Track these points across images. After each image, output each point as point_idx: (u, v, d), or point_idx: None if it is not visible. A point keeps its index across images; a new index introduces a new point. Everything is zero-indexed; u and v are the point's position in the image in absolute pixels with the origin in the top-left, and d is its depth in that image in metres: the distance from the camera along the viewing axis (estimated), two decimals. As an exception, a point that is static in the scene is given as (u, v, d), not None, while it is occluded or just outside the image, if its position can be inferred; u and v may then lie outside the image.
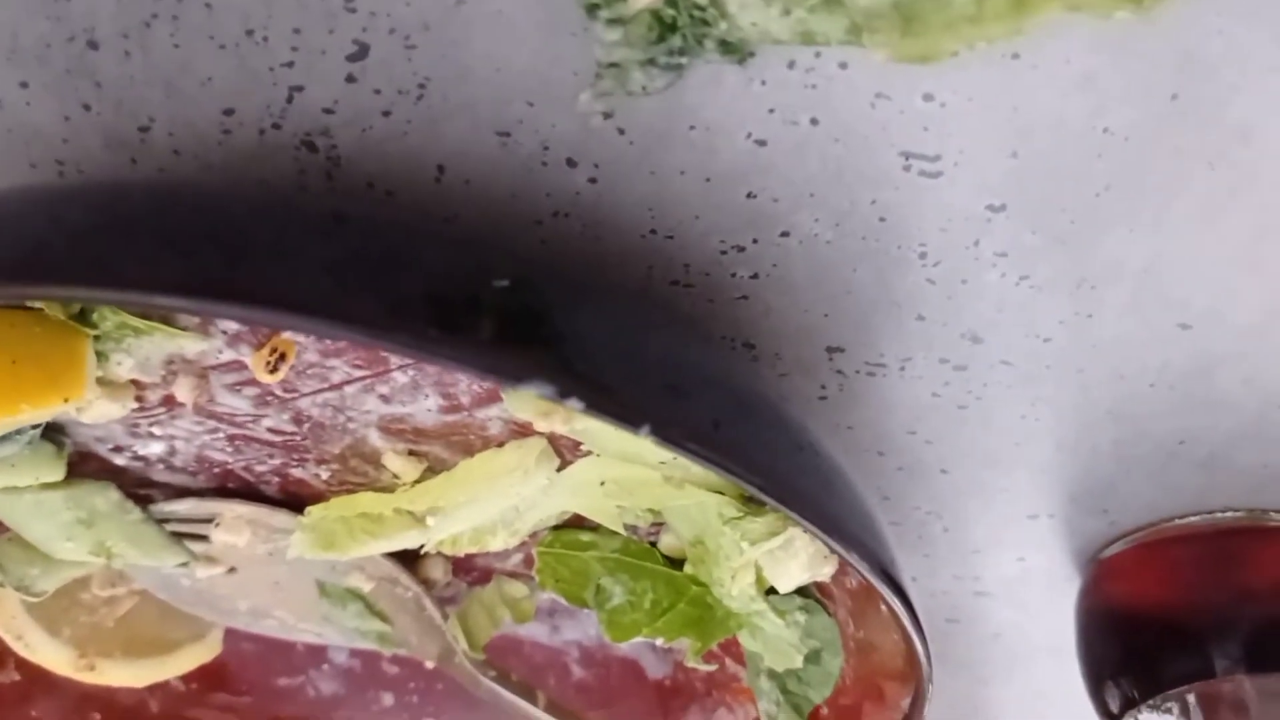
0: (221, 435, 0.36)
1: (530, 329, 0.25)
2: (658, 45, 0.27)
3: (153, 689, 0.45)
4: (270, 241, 0.26)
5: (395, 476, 0.37)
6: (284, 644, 0.46)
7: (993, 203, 0.30)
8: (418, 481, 0.36)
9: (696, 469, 0.33)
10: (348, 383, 0.34)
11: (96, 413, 0.33)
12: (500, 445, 0.35)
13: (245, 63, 0.29)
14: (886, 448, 0.39)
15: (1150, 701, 0.37)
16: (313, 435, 0.36)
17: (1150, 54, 0.27)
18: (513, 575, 0.42)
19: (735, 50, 0.27)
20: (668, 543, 0.39)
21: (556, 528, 0.39)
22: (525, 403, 0.32)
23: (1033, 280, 0.32)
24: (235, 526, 0.39)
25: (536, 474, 0.35)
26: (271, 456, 0.37)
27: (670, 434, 0.25)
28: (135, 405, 0.34)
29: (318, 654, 0.47)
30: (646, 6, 0.26)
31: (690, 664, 0.39)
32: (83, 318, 0.31)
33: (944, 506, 0.41)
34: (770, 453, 0.29)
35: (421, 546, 0.38)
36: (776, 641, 0.37)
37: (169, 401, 0.35)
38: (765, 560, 0.35)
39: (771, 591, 0.37)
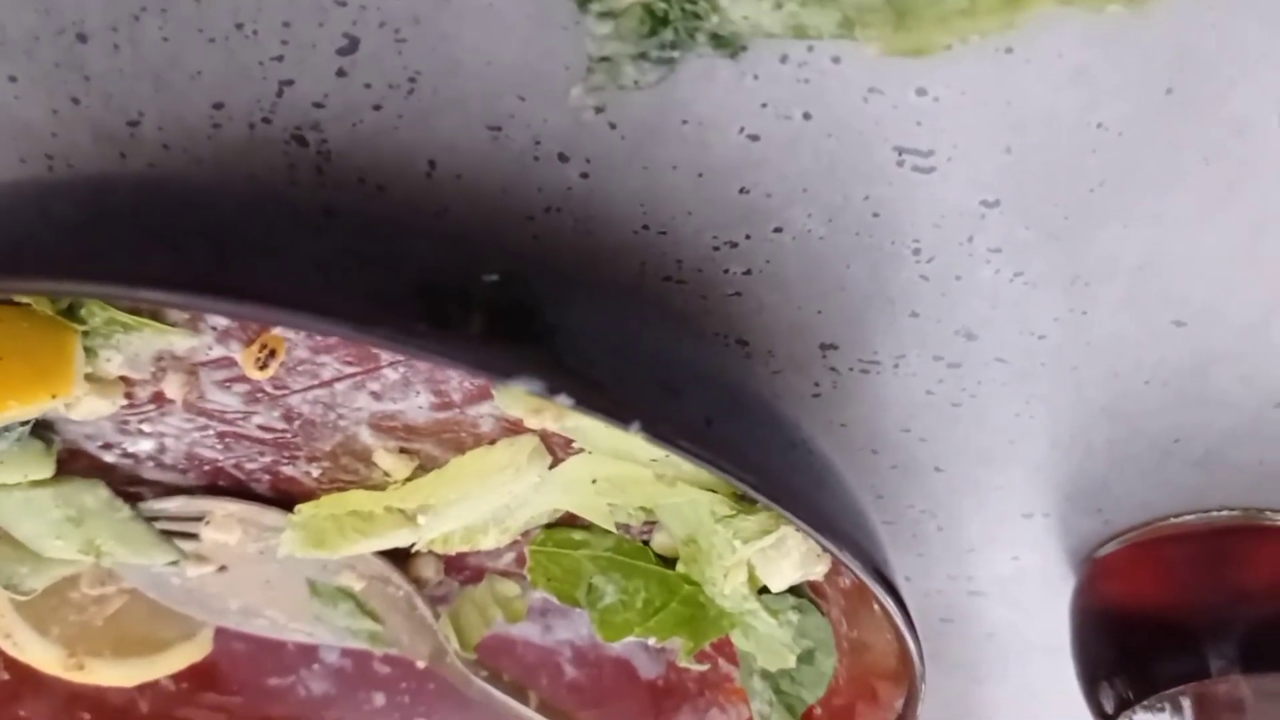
0: (211, 432, 0.36)
1: (521, 324, 0.25)
2: (649, 39, 0.27)
3: (143, 688, 0.45)
4: (260, 236, 0.25)
5: (386, 474, 0.36)
6: (275, 643, 0.46)
7: (986, 198, 0.30)
8: (409, 479, 0.36)
9: (688, 467, 0.33)
10: (338, 379, 0.34)
11: (85, 409, 0.33)
12: (492, 443, 0.35)
13: (235, 56, 0.28)
14: (880, 445, 0.38)
15: (1145, 702, 0.37)
16: (303, 432, 0.36)
17: (1144, 48, 0.27)
18: (505, 574, 0.42)
19: (727, 44, 0.27)
20: (660, 541, 0.39)
21: (549, 526, 0.39)
22: (516, 399, 0.32)
23: (1027, 276, 0.32)
24: (225, 524, 0.39)
25: (528, 472, 0.35)
26: (262, 454, 0.37)
27: (661, 431, 0.25)
28: (124, 402, 0.34)
29: (309, 653, 0.47)
30: (638, 0, 0.26)
31: (683, 664, 0.39)
32: (71, 313, 0.31)
33: (938, 505, 0.41)
34: (763, 450, 0.29)
35: (413, 545, 0.38)
36: (769, 641, 0.37)
37: (158, 398, 0.34)
38: (758, 559, 0.34)
39: (764, 591, 0.36)
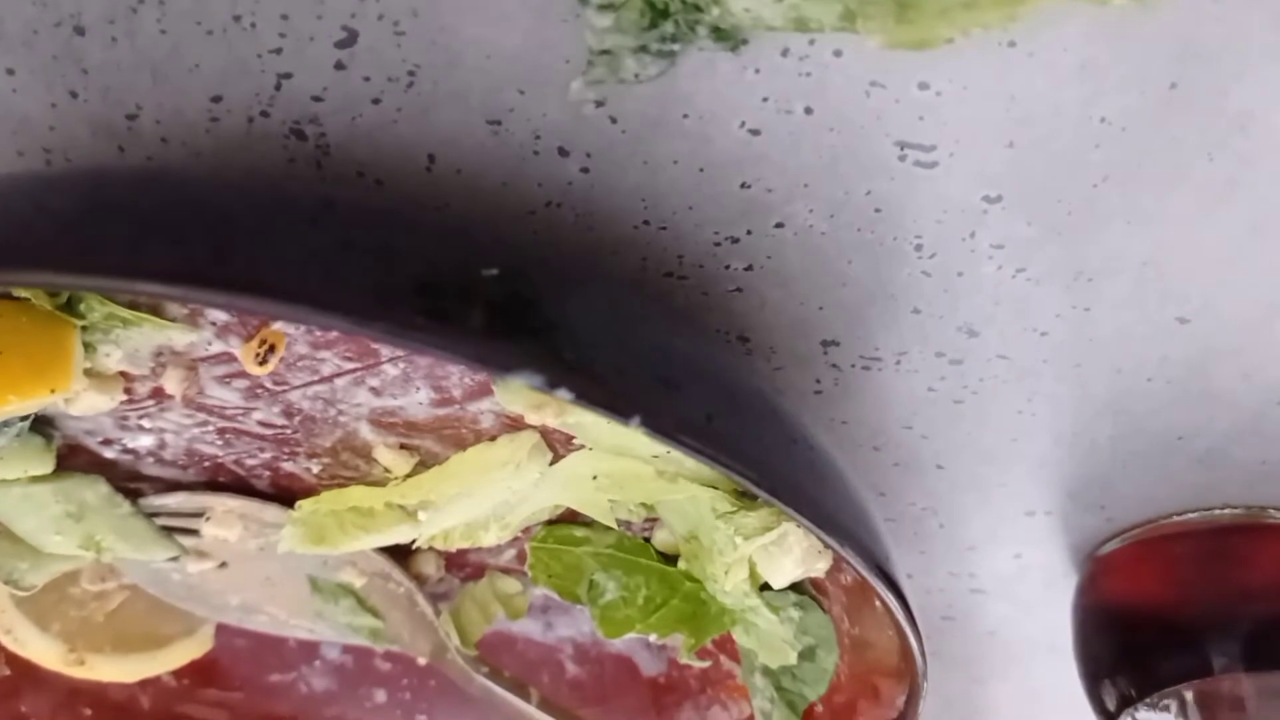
0: (211, 428, 0.36)
1: (520, 319, 0.25)
2: (650, 32, 0.27)
3: (143, 684, 0.45)
4: (258, 230, 0.25)
5: (386, 470, 0.36)
6: (276, 640, 0.46)
7: (989, 193, 0.30)
8: (409, 475, 0.36)
9: (689, 462, 0.33)
10: (338, 375, 0.34)
11: (85, 405, 0.33)
12: (492, 439, 0.35)
13: (233, 49, 0.28)
14: (882, 443, 0.38)
15: (1147, 699, 0.37)
16: (303, 428, 0.36)
17: (1148, 42, 0.26)
18: (506, 571, 0.42)
19: (728, 37, 0.27)
20: (662, 538, 0.39)
21: (550, 523, 0.39)
22: (517, 395, 0.32)
23: (1029, 273, 0.32)
24: (226, 521, 0.39)
25: (528, 468, 0.35)
26: (262, 450, 0.37)
27: (662, 425, 0.24)
28: (124, 397, 0.34)
29: (310, 650, 0.47)
30: (639, -8, 0.26)
31: (684, 661, 0.39)
32: (70, 308, 0.31)
33: (940, 502, 0.41)
34: (764, 446, 0.29)
35: (414, 541, 0.38)
36: (771, 638, 0.37)
37: (158, 394, 0.34)
38: (759, 555, 0.34)
39: (766, 587, 0.36)
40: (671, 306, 0.33)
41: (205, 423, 0.36)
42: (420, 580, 0.42)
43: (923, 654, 0.32)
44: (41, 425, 0.35)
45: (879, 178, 0.30)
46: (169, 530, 0.39)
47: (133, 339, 0.32)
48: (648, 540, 0.39)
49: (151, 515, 0.38)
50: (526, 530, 0.39)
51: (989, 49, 0.27)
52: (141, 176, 0.30)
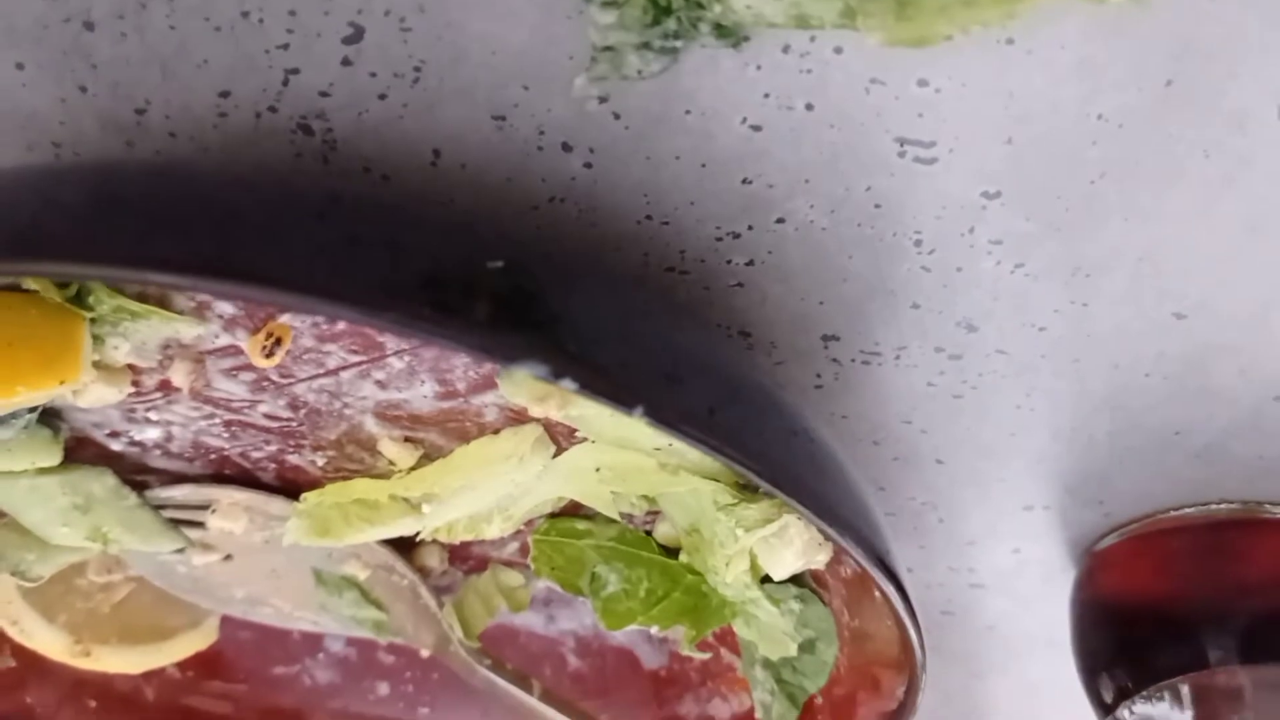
0: (218, 421, 0.36)
1: (525, 311, 0.25)
2: (653, 29, 0.27)
3: (148, 676, 0.45)
4: (266, 223, 0.26)
5: (391, 463, 0.37)
6: (280, 632, 0.46)
7: (988, 190, 0.30)
8: (414, 468, 0.37)
9: (691, 455, 0.33)
10: (344, 368, 0.34)
11: (93, 397, 0.33)
12: (496, 432, 0.35)
13: (241, 45, 0.29)
14: (881, 437, 0.39)
15: (1144, 692, 0.37)
16: (309, 421, 0.36)
17: (1146, 40, 0.27)
18: (509, 564, 0.43)
19: (730, 34, 0.27)
20: (663, 531, 0.39)
21: (552, 515, 0.39)
22: (520, 387, 0.32)
23: (1028, 268, 0.32)
24: (232, 513, 0.39)
25: (532, 460, 0.35)
26: (268, 443, 0.37)
27: (664, 416, 0.25)
28: (131, 390, 0.34)
29: (314, 642, 0.47)
30: (642, -11, 0.26)
31: (685, 653, 0.39)
32: (79, 300, 0.31)
33: (939, 497, 0.41)
34: (765, 439, 0.29)
35: (417, 534, 0.38)
36: (771, 630, 0.37)
37: (165, 386, 0.35)
38: (760, 547, 0.35)
39: (766, 580, 0.37)
40: (673, 301, 0.34)
41: (212, 415, 0.36)
42: (424, 573, 0.42)
43: (922, 645, 0.32)
44: (49, 417, 0.35)
45: (879, 174, 0.30)
46: (175, 522, 0.39)
47: (141, 332, 0.32)
48: (649, 533, 0.39)
49: (158, 507, 0.39)
50: (529, 523, 0.39)
51: (988, 46, 0.27)
52: (150, 171, 0.30)
